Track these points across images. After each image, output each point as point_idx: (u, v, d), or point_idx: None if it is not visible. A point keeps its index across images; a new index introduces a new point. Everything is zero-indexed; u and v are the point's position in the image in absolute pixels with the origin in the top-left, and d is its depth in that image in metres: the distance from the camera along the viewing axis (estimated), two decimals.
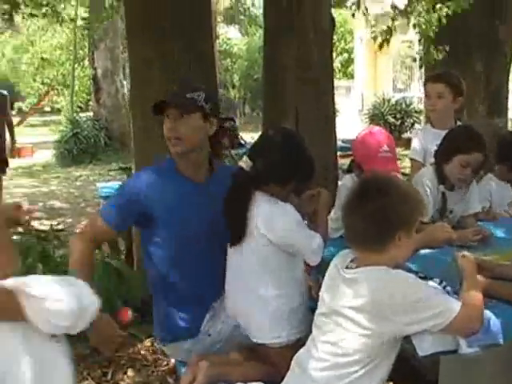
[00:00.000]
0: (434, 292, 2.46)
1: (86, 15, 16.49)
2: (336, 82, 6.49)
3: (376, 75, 25.31)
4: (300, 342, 2.86)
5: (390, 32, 8.80)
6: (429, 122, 4.76)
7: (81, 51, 25.80)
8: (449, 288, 2.57)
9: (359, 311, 2.38)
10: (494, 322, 2.44)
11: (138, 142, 5.27)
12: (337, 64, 28.69)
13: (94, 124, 18.38)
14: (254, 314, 3.09)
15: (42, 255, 5.19)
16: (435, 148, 3.94)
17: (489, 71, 8.47)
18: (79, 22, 19.44)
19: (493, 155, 4.43)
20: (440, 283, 2.59)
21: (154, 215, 3.13)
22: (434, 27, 8.41)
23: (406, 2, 8.99)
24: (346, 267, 2.53)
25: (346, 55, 31.64)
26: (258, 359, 3.12)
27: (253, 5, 30.89)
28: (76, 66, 24.68)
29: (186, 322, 3.19)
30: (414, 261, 2.85)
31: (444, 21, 8.06)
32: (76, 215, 9.95)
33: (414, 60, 11.08)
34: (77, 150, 17.40)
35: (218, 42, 23.24)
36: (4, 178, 8.76)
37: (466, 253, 2.62)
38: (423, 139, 4.49)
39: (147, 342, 4.58)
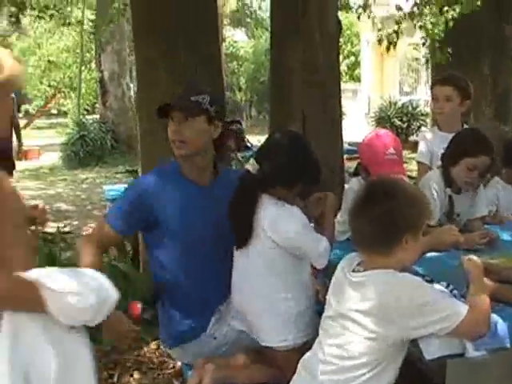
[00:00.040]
0: (441, 295, 2.45)
1: (92, 17, 16.53)
2: (342, 85, 6.48)
3: (382, 78, 25.31)
4: (307, 346, 2.85)
5: (397, 35, 8.79)
6: (436, 124, 4.75)
7: (88, 54, 25.83)
8: (456, 291, 2.56)
9: (366, 314, 2.38)
10: (501, 326, 2.44)
11: (145, 145, 5.27)
12: (343, 67, 28.67)
13: (100, 127, 18.40)
14: (260, 317, 3.09)
15: (49, 257, 5.20)
16: (442, 151, 3.94)
17: (496, 74, 8.47)
18: (86, 25, 19.50)
19: (500, 158, 4.42)
20: (447, 286, 2.58)
21: (159, 219, 3.13)
22: (440, 29, 8.41)
23: (412, 4, 8.97)
24: (353, 270, 2.52)
25: (352, 58, 31.62)
26: (264, 362, 3.12)
27: (259, 8, 30.88)
28: (83, 68, 24.69)
29: (192, 325, 3.19)
30: (421, 264, 2.84)
31: (451, 24, 8.05)
32: (82, 218, 9.96)
33: (419, 60, 11.07)
34: (83, 152, 17.41)
35: (224, 44, 23.27)
36: (11, 180, 8.76)
37: (472, 256, 2.61)
38: (430, 142, 4.48)
39: (153, 345, 4.58)
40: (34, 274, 2.17)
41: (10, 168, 8.50)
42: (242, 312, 3.15)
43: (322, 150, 4.18)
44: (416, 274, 2.57)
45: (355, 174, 3.83)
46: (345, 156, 6.40)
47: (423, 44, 9.32)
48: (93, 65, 24.06)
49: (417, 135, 18.35)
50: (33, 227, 2.89)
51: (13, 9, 10.70)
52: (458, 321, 2.33)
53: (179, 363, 3.93)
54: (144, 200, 3.12)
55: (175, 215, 3.13)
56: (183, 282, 3.17)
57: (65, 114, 28.72)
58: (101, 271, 2.58)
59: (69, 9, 15.22)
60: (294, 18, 5.65)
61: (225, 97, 6.34)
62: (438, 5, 8.46)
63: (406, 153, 4.21)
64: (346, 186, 4.42)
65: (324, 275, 3.21)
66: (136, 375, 4.27)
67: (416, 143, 5.31)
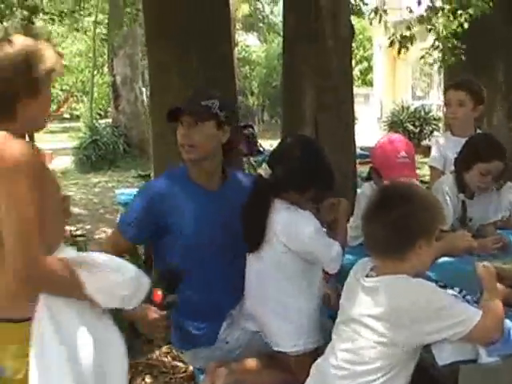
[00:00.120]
0: (456, 301, 2.45)
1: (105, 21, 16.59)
2: (355, 90, 6.47)
3: (395, 82, 25.27)
4: (319, 351, 2.85)
5: (411, 40, 8.77)
6: (449, 129, 4.74)
7: (100, 58, 25.95)
8: (469, 297, 2.56)
9: (379, 319, 2.37)
10: None
11: (157, 149, 5.28)
12: (356, 72, 28.65)
13: (113, 131, 18.45)
14: (272, 322, 3.08)
15: None
16: (455, 156, 3.92)
17: (509, 78, 8.44)
18: (99, 29, 19.58)
19: None
20: (460, 292, 2.58)
21: (169, 223, 3.13)
22: (452, 32, 8.38)
23: (424, 7, 8.94)
24: (366, 275, 2.52)
25: (365, 64, 31.60)
26: (277, 367, 3.11)
27: (271, 12, 31.00)
28: (95, 72, 24.82)
29: (204, 329, 3.19)
30: (434, 270, 2.83)
31: (466, 25, 8.02)
32: (95, 221, 9.98)
33: (432, 66, 11.05)
34: (96, 156, 17.46)
35: (236, 49, 23.33)
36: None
37: (485, 263, 2.60)
38: (443, 147, 4.46)
39: (165, 349, 4.58)
40: (73, 254, 2.26)
41: None
42: (255, 316, 3.15)
43: (335, 155, 4.18)
44: (429, 279, 2.57)
45: (368, 178, 3.83)
46: (357, 161, 6.38)
47: (436, 48, 9.28)
48: (105, 69, 24.15)
49: (429, 140, 18.33)
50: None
51: (25, 12, 10.74)
52: (472, 326, 2.33)
53: (191, 367, 3.93)
54: (155, 203, 3.13)
55: (185, 220, 3.13)
56: (193, 287, 3.16)
57: (77, 118, 28.86)
58: None
59: (82, 13, 15.26)
60: (306, 23, 5.65)
61: (237, 101, 6.34)
62: (451, 9, 8.44)
63: (418, 157, 4.20)
64: (359, 190, 4.41)
65: (336, 280, 3.20)
66: (148, 379, 4.27)
67: (428, 148, 5.30)
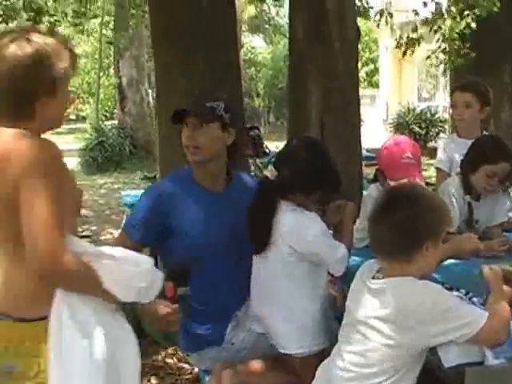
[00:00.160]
0: (462, 302, 2.44)
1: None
2: (360, 91, 6.45)
3: (401, 84, 25.21)
4: (325, 353, 2.85)
5: (418, 42, 8.76)
6: (455, 131, 4.73)
7: (106, 60, 25.98)
8: (475, 299, 2.55)
9: (385, 321, 2.37)
10: None
11: (163, 151, 5.29)
12: (362, 74, 28.61)
13: (119, 132, 18.48)
14: (277, 323, 3.08)
15: None
16: (461, 157, 3.92)
17: None
18: (105, 31, 19.62)
19: None
20: (466, 294, 2.57)
21: (173, 225, 3.14)
22: (458, 34, 8.37)
23: (429, 8, 8.93)
24: (373, 277, 2.52)
25: (371, 66, 31.56)
26: (282, 368, 3.11)
27: (277, 14, 30.97)
28: (101, 74, 24.83)
29: (209, 331, 3.19)
30: (440, 272, 2.83)
31: (474, 25, 7.99)
32: (100, 223, 10.00)
33: (437, 66, 11.03)
34: (102, 158, 17.48)
35: (242, 50, 23.32)
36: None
37: (492, 265, 2.59)
38: (449, 149, 4.45)
39: (171, 350, 4.58)
40: (87, 247, 2.27)
41: None
42: (261, 317, 3.15)
43: (341, 157, 4.18)
44: (435, 281, 2.56)
45: (374, 180, 3.82)
46: (363, 162, 6.37)
47: (442, 50, 9.26)
48: (111, 71, 24.19)
49: (435, 142, 18.28)
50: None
51: (31, 14, 10.79)
52: (478, 328, 2.32)
53: (197, 369, 3.93)
54: (160, 205, 3.14)
55: (190, 221, 3.13)
56: (198, 288, 3.16)
57: (83, 119, 28.90)
58: None
59: (87, 15, 15.26)
60: (313, 25, 5.65)
61: (243, 103, 6.34)
62: (457, 10, 8.42)
63: (424, 159, 4.19)
64: (365, 192, 4.41)
65: (342, 282, 3.20)
66: (153, 380, 4.28)
67: (435, 150, 5.29)
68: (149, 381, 4.27)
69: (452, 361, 2.39)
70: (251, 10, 30.13)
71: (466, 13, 8.17)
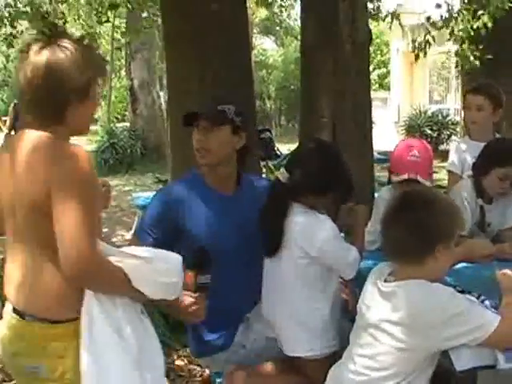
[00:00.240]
0: (474, 305, 2.44)
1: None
2: (372, 94, 6.43)
3: (412, 86, 25.14)
4: (336, 356, 2.85)
5: (429, 44, 8.73)
6: (467, 133, 4.71)
7: (118, 62, 26.03)
8: (487, 302, 2.54)
9: (397, 325, 2.37)
10: None
11: (175, 153, 5.29)
12: (373, 76, 28.55)
13: (130, 134, 18.51)
14: (288, 326, 3.08)
15: None
16: (474, 160, 3.91)
17: None
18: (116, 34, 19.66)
19: None
20: (478, 297, 2.56)
21: (184, 227, 3.14)
22: (471, 35, 8.33)
23: (443, 12, 8.90)
24: (384, 280, 2.51)
25: (384, 69, 31.48)
26: (293, 371, 3.11)
27: (288, 16, 30.93)
28: (113, 76, 24.89)
29: (220, 334, 3.19)
30: (452, 275, 2.82)
31: (490, 24, 7.95)
32: (112, 224, 10.00)
33: (449, 68, 11.00)
34: (113, 159, 17.51)
35: (253, 52, 23.33)
36: None
37: (507, 271, 2.58)
38: (461, 151, 4.44)
39: (182, 352, 4.58)
40: (114, 251, 2.32)
41: None
42: (271, 320, 3.15)
43: (352, 159, 4.17)
44: (447, 284, 2.56)
45: (387, 183, 3.82)
46: (374, 165, 6.36)
47: (455, 53, 9.22)
48: (123, 73, 24.24)
49: (447, 144, 18.21)
50: None
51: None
52: (490, 331, 2.32)
53: (207, 371, 3.93)
54: (171, 208, 3.14)
55: (200, 224, 3.14)
56: (210, 291, 3.16)
57: (95, 121, 28.92)
58: None
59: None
60: (324, 28, 5.64)
61: (255, 105, 6.34)
62: (469, 13, 8.38)
63: (436, 162, 4.16)
64: (376, 195, 4.40)
65: (354, 285, 3.20)
66: None
67: (446, 152, 5.27)
68: None
69: (464, 364, 2.38)
70: (262, 12, 30.14)
71: (479, 12, 8.12)
